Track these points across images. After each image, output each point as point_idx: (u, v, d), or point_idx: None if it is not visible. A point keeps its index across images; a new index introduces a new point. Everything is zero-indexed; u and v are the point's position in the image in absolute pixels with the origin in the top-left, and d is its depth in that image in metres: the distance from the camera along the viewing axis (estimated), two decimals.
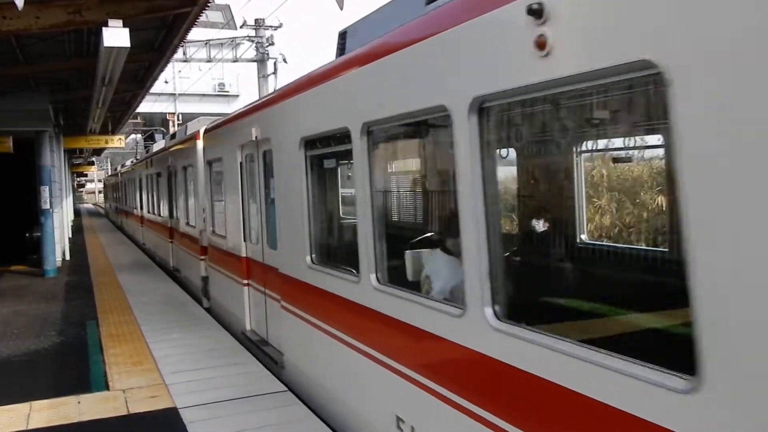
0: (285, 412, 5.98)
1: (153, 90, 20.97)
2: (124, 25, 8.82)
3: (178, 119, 39.55)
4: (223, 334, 9.11)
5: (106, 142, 26.82)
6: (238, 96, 38.99)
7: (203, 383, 6.94)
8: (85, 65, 13.66)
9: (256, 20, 26.67)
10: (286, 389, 6.61)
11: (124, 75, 12.20)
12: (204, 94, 39.23)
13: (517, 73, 2.97)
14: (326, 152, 6.15)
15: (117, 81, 12.15)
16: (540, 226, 5.73)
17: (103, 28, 8.79)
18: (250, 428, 5.65)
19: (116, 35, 8.74)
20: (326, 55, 6.93)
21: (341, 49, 6.28)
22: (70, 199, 41.22)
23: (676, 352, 2.36)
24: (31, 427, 5.93)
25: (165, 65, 15.33)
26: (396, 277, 4.72)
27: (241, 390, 6.63)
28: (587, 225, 6.23)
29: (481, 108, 3.25)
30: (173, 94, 38.62)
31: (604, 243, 7.33)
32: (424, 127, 4.91)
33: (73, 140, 25.56)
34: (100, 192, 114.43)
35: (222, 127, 10.00)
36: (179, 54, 25.60)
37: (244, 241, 8.78)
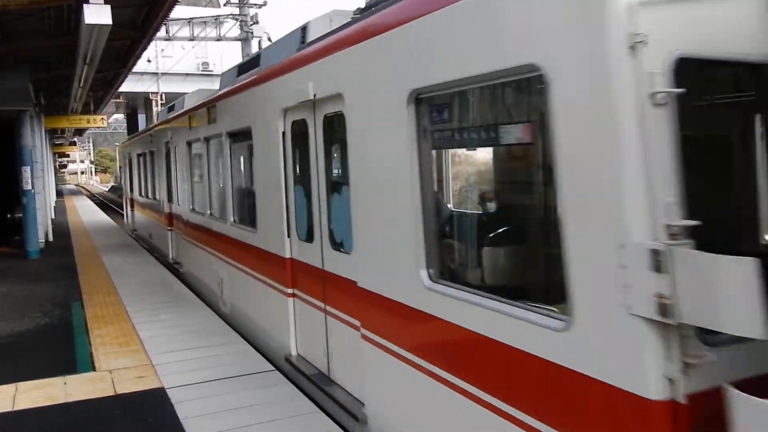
0: (273, 392, 6.00)
1: (135, 69, 20.70)
2: (106, 2, 8.66)
3: (161, 99, 39.13)
4: (210, 315, 9.10)
5: (88, 122, 26.52)
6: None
7: (191, 363, 6.95)
8: (66, 43, 13.43)
9: None
10: (274, 368, 6.63)
11: (105, 53, 12.02)
12: (188, 74, 38.74)
13: None
14: None
15: (99, 59, 11.97)
16: None
17: (84, 5, 8.63)
18: (237, 407, 5.67)
19: (97, 12, 8.60)
20: None
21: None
22: (53, 179, 40.77)
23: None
24: (17, 408, 5.91)
25: (147, 44, 15.13)
26: None
27: (229, 370, 6.64)
28: None
29: None
30: (156, 74, 38.13)
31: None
32: None
33: (55, 120, 25.25)
34: (82, 173, 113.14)
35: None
36: (162, 32, 25.29)
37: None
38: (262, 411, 5.57)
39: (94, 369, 6.96)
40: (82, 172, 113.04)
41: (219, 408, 5.67)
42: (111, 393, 6.21)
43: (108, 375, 6.72)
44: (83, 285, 11.95)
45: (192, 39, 28.65)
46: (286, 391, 6.03)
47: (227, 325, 8.46)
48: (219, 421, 5.39)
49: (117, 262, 14.45)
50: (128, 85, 30.81)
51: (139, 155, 18.83)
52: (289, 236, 6.50)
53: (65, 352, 7.68)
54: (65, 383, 6.50)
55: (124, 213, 24.30)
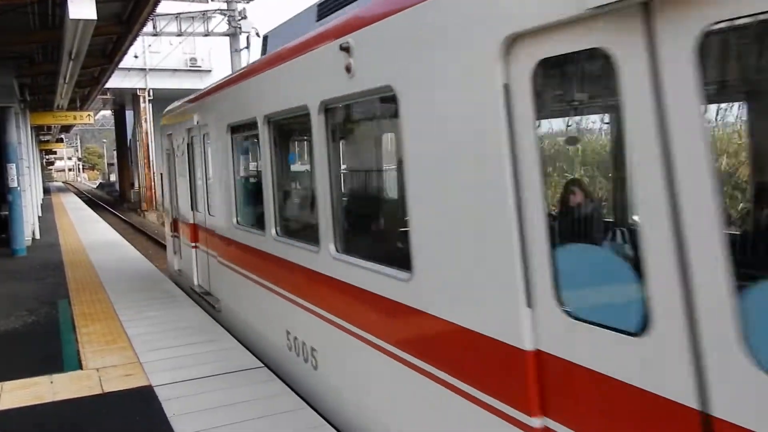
0: (261, 388, 5.98)
1: (122, 65, 20.56)
2: None
3: (149, 95, 38.90)
4: (197, 312, 9.06)
5: (75, 118, 26.40)
6: (210, 71, 38.35)
7: (178, 361, 6.91)
8: (51, 39, 13.31)
9: None
10: (263, 365, 6.62)
11: (91, 49, 11.93)
12: (176, 69, 38.51)
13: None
14: None
15: (84, 55, 11.88)
16: None
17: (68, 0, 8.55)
18: (225, 404, 5.64)
19: (82, 7, 8.53)
20: None
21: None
22: (39, 177, 40.43)
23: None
24: (3, 407, 5.85)
25: (134, 39, 15.02)
26: None
27: (217, 367, 6.61)
28: None
29: None
30: (143, 69, 37.89)
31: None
32: None
33: (40, 116, 25.08)
34: (70, 170, 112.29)
35: None
36: (149, 27, 25.11)
37: None
38: (250, 408, 5.55)
39: (81, 367, 6.90)
40: (70, 169, 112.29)
41: (207, 405, 5.64)
42: (98, 391, 6.16)
43: (95, 373, 6.67)
44: (70, 282, 11.86)
45: (179, 34, 28.49)
46: (275, 387, 6.01)
47: (215, 322, 8.43)
48: (207, 419, 5.36)
49: (104, 260, 14.35)
50: (115, 81, 30.59)
51: (236, 130, 7.71)
52: None
53: (52, 351, 7.61)
54: (52, 382, 6.44)
55: (168, 246, 13.09)
